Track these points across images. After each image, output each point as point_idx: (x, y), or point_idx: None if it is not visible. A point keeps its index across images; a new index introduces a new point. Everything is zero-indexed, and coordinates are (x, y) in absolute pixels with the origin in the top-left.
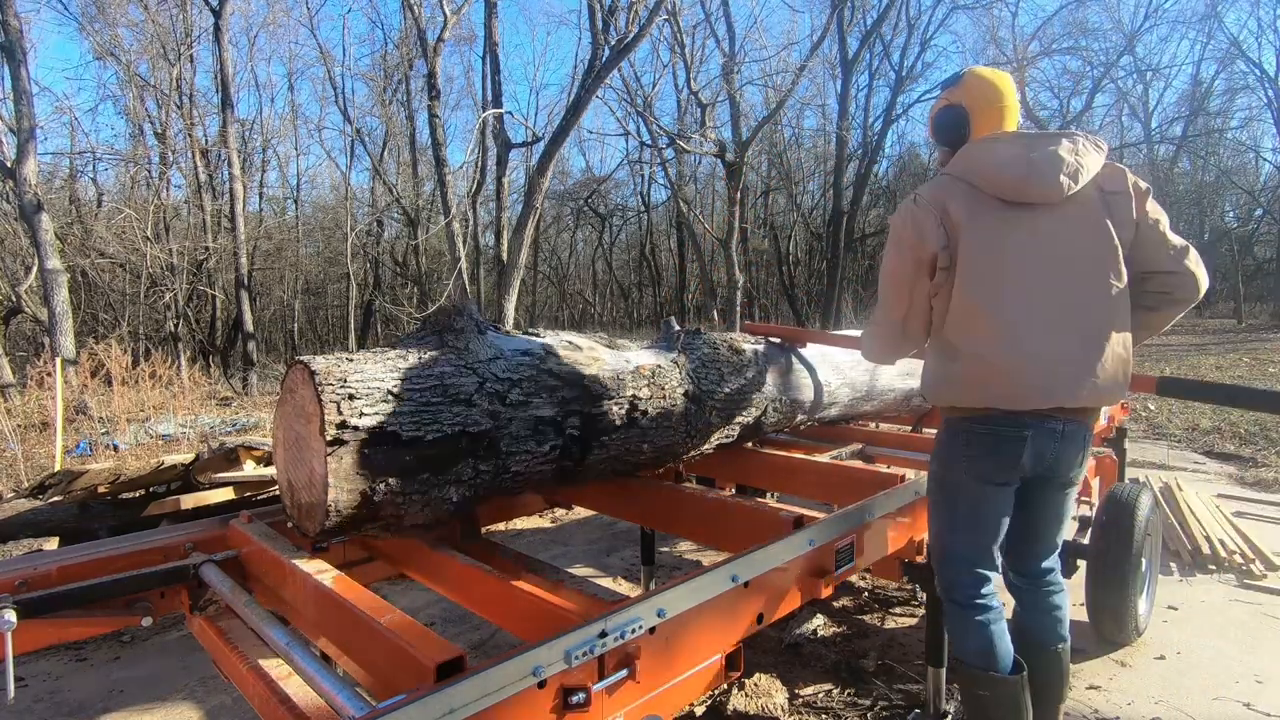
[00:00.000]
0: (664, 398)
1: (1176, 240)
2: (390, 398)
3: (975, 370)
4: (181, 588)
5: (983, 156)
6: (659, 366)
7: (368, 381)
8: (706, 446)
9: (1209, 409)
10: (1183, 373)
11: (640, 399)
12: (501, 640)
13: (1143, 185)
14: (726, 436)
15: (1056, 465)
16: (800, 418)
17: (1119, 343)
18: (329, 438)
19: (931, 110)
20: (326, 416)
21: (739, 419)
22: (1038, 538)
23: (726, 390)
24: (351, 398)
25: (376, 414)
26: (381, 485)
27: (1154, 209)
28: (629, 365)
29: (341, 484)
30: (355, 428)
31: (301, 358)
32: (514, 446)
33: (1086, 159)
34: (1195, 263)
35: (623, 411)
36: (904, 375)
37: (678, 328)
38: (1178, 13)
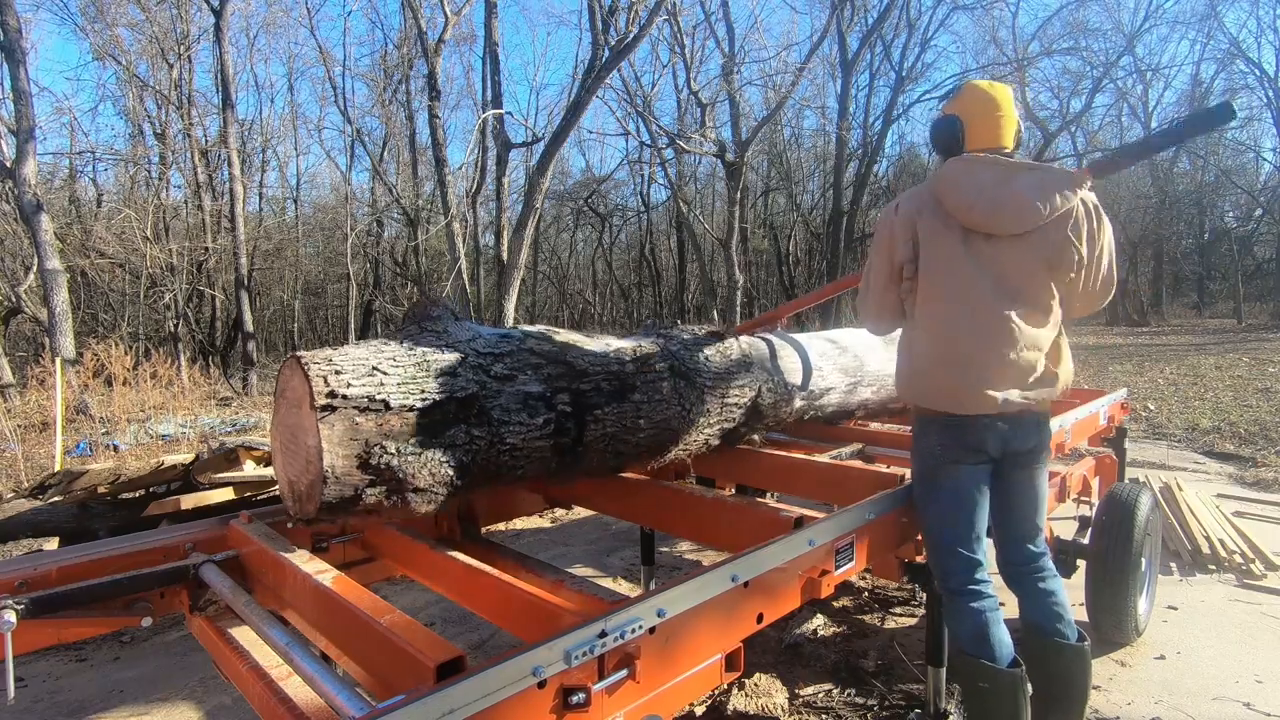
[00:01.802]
0: (650, 371)
1: (1095, 291)
2: (376, 372)
3: (928, 378)
4: (181, 588)
5: (959, 180)
6: (639, 346)
7: (353, 361)
8: (709, 429)
9: (1208, 408)
10: (1181, 374)
11: (627, 373)
12: (501, 640)
13: (1098, 236)
14: (727, 420)
15: (1018, 445)
16: (800, 404)
17: (1049, 357)
18: (319, 404)
19: (932, 121)
20: (315, 388)
21: (733, 398)
22: (1018, 520)
23: (713, 368)
24: (338, 373)
25: (364, 385)
26: (376, 448)
27: (1093, 274)
28: (610, 347)
29: (336, 449)
30: (345, 396)
31: (290, 354)
32: (506, 416)
33: (1052, 200)
34: (1091, 304)
35: (611, 387)
36: (894, 359)
37: (651, 322)
38: (1177, 13)
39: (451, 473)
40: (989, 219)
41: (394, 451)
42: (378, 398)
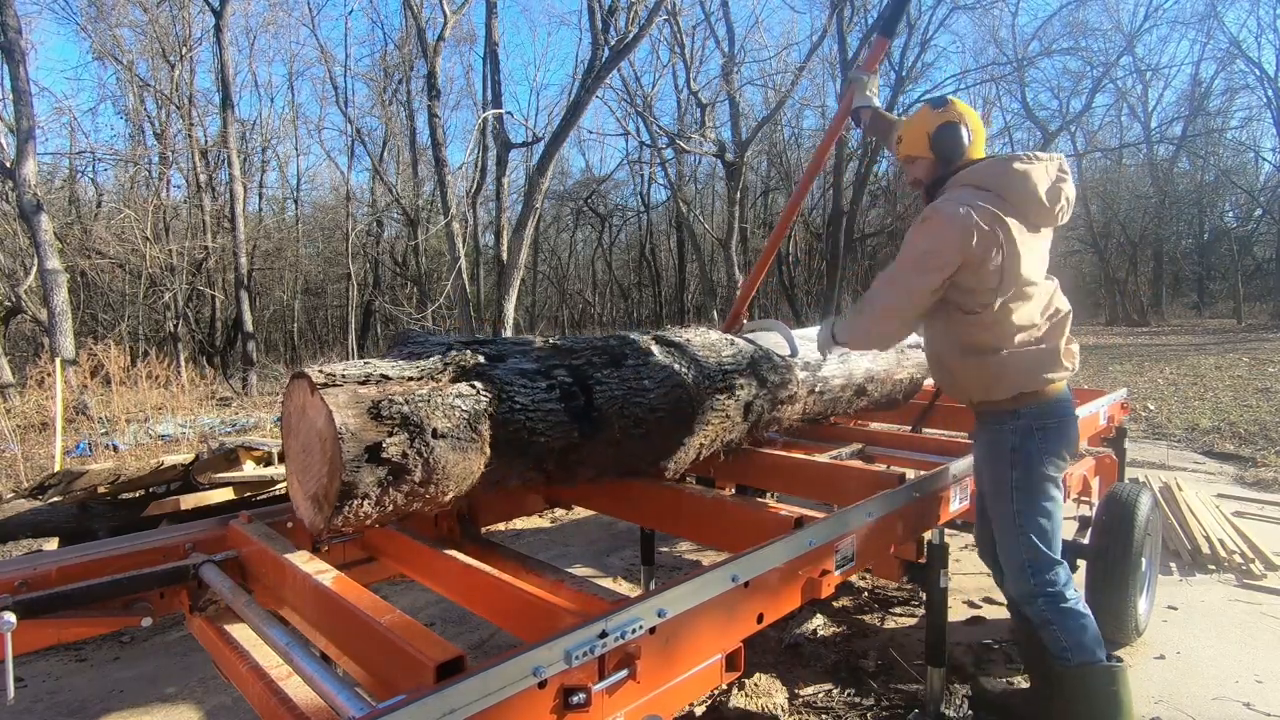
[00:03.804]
0: (637, 347)
1: None
2: (370, 364)
3: (1046, 360)
4: (181, 588)
5: (1023, 183)
6: (617, 333)
7: (346, 366)
8: (724, 396)
9: (1208, 408)
10: (1181, 374)
11: (612, 346)
12: (501, 640)
13: None
14: (736, 386)
15: None
16: (803, 374)
17: None
18: (319, 383)
19: (926, 126)
20: (313, 379)
21: (730, 365)
22: None
23: (695, 341)
24: (333, 368)
25: (361, 370)
26: (384, 402)
27: None
28: (591, 335)
29: (345, 410)
30: (343, 376)
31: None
32: (509, 379)
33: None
34: None
35: (602, 360)
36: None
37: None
38: (1177, 12)
39: (467, 416)
40: (1052, 214)
41: (403, 401)
42: (375, 373)
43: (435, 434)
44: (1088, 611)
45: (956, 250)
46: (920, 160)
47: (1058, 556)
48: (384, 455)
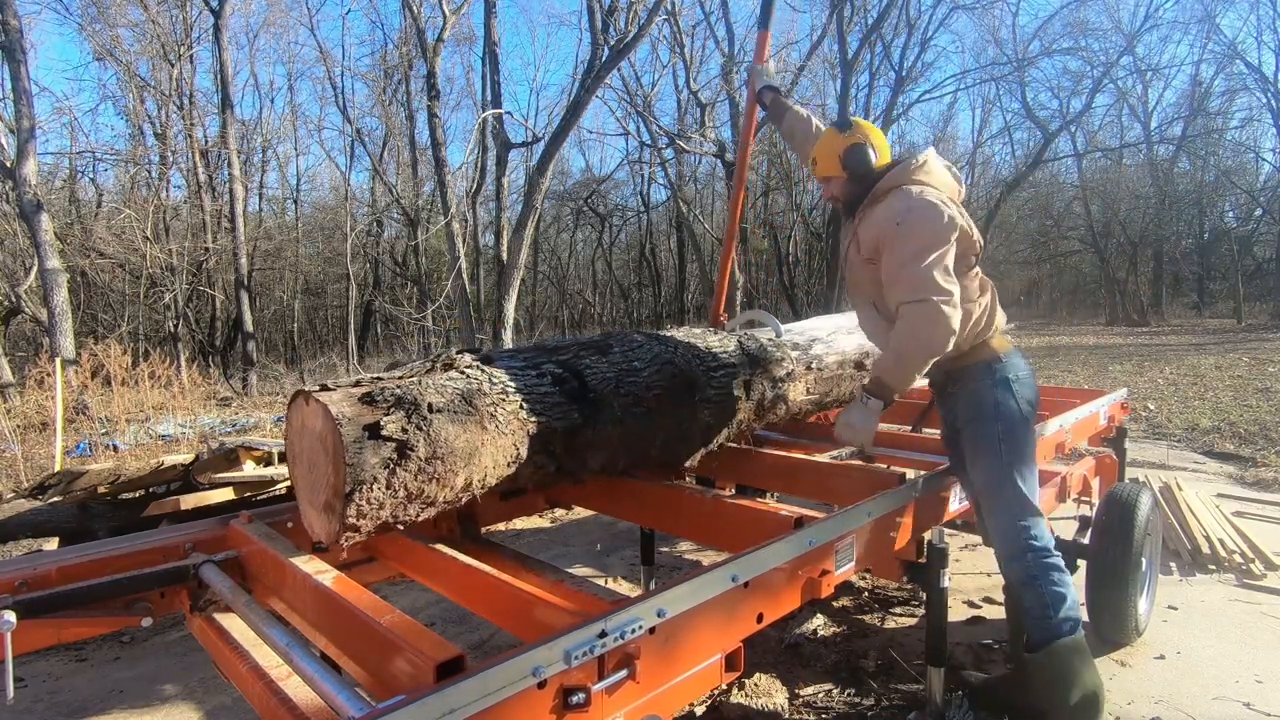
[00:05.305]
0: (620, 336)
1: None
2: (360, 376)
3: (994, 309)
4: (181, 588)
5: (944, 178)
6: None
7: (339, 379)
8: (720, 374)
9: (1208, 408)
10: (1181, 374)
11: (597, 340)
12: (501, 640)
13: None
14: (729, 366)
15: None
16: (795, 353)
17: None
18: (314, 391)
19: (836, 149)
20: (310, 390)
21: (718, 347)
22: None
23: (681, 333)
24: (327, 383)
25: (354, 380)
26: (377, 390)
27: None
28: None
29: (341, 404)
30: (338, 384)
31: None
32: (506, 375)
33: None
34: None
35: (589, 351)
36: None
37: None
38: (1177, 13)
39: (460, 392)
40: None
41: (395, 386)
42: (366, 378)
43: (431, 408)
44: (1067, 570)
45: (949, 226)
46: (835, 179)
47: (1040, 509)
48: (384, 433)
